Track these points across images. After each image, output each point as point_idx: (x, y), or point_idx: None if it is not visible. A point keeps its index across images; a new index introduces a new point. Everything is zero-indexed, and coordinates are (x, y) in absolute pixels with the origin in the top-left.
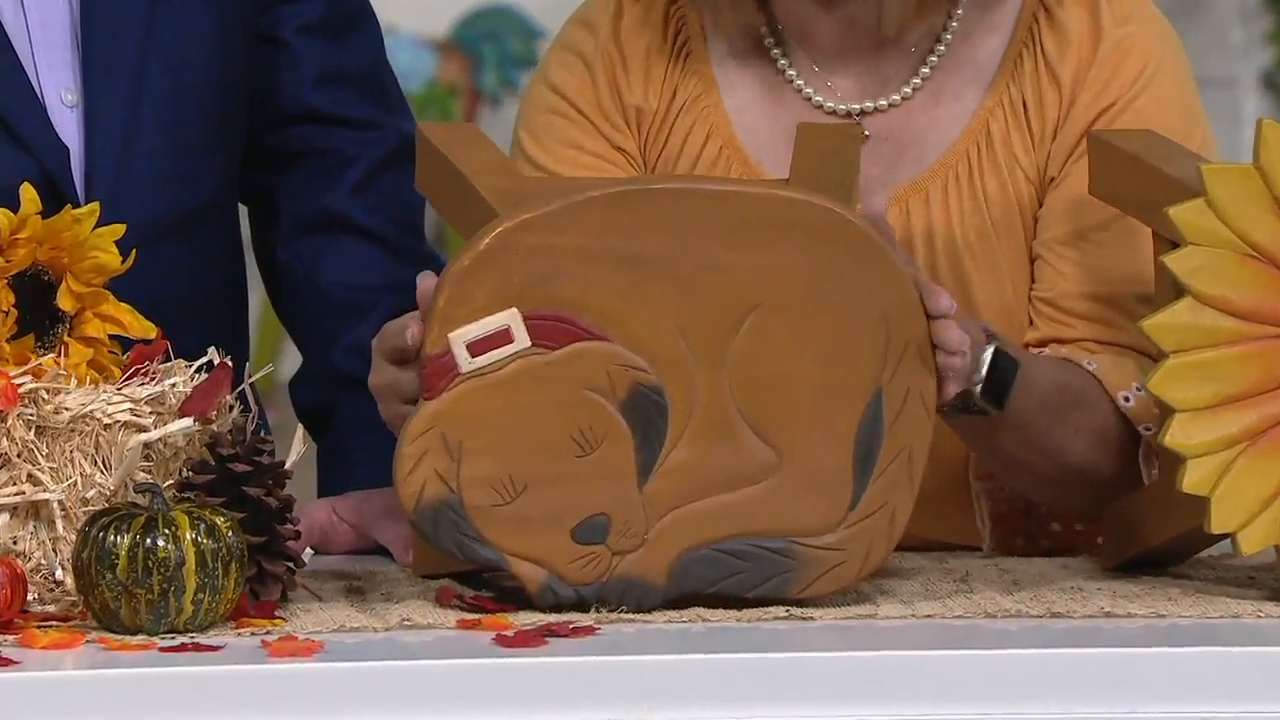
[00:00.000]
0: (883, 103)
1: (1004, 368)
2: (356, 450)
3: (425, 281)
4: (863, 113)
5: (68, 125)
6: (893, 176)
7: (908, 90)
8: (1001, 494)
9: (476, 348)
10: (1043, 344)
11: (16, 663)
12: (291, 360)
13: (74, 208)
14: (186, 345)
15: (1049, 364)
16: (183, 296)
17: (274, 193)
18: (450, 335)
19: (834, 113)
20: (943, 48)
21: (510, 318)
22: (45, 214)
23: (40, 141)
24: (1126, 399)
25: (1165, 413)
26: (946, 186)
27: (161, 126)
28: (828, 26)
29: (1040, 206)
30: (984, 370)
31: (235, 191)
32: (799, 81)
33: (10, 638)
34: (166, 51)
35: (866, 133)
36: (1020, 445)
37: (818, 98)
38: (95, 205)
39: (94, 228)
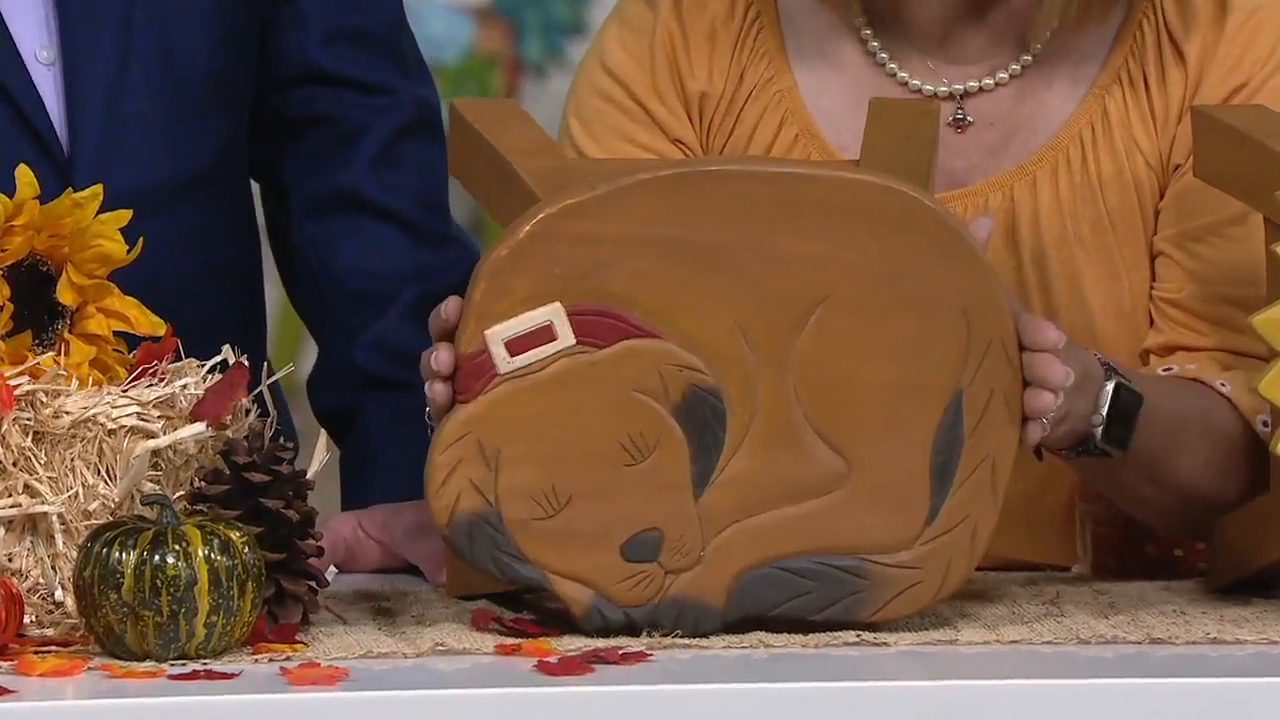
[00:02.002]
0: (989, 82)
1: (1126, 404)
2: (383, 458)
3: (446, 305)
4: (965, 94)
5: (45, 85)
6: (996, 164)
7: (1016, 68)
8: (1105, 515)
9: (516, 346)
10: (1166, 351)
11: (12, 692)
12: (315, 357)
13: (64, 172)
14: (188, 328)
15: (1175, 389)
16: (181, 272)
17: (282, 167)
18: (487, 332)
19: (933, 96)
20: (1055, 23)
21: (553, 313)
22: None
23: (24, 95)
24: (1266, 423)
25: (1278, 419)
26: (1056, 171)
27: (151, 86)
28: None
29: (1162, 196)
30: (1104, 410)
31: (242, 158)
32: (891, 64)
33: (5, 664)
34: (154, 4)
35: (970, 118)
36: (1144, 480)
37: (914, 80)
38: (98, 188)
39: (97, 213)
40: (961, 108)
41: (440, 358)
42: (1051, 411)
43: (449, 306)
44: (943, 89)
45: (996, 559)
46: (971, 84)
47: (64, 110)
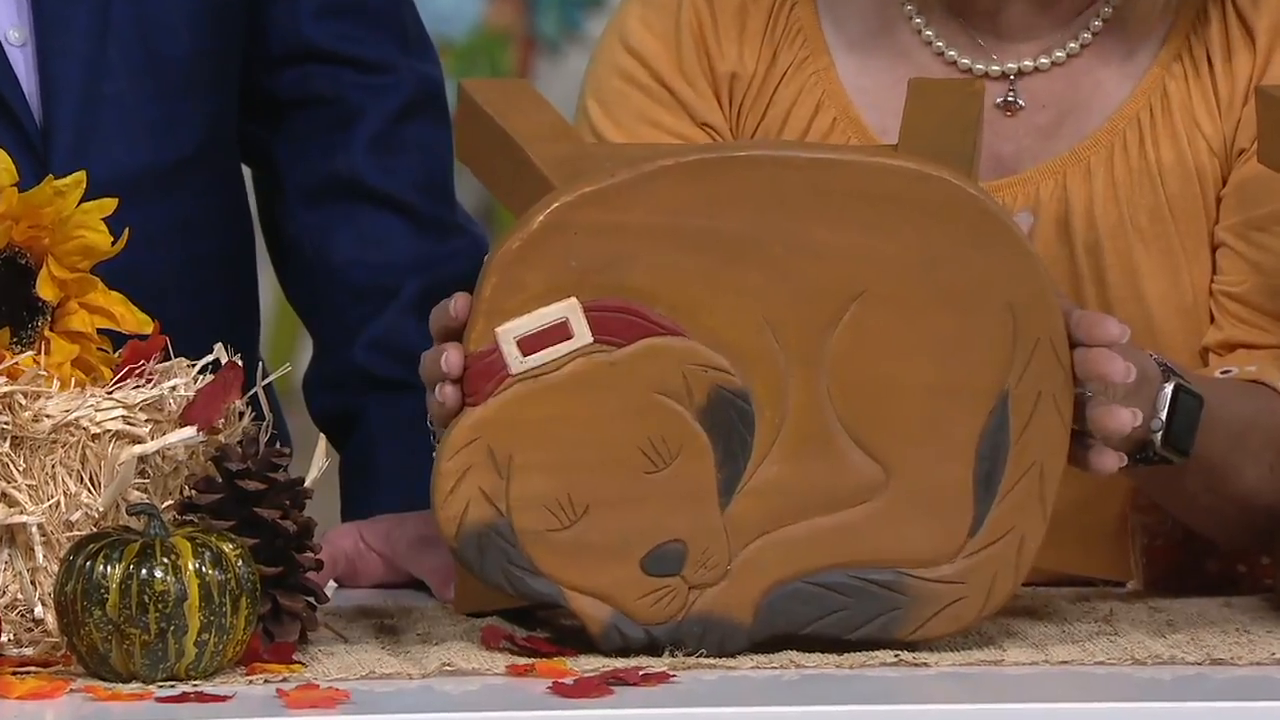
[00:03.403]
0: (1044, 61)
1: (1187, 408)
2: (386, 465)
3: (451, 302)
4: (1019, 73)
5: (18, 67)
6: (1048, 149)
7: (1074, 46)
8: (1160, 527)
9: (529, 344)
10: (1226, 348)
11: None
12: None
13: (40, 159)
14: (175, 325)
15: (1236, 392)
16: (167, 266)
17: (275, 151)
18: (498, 330)
19: (983, 75)
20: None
21: (568, 309)
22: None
23: None
24: None
25: None
26: (1113, 156)
27: (130, 64)
28: None
29: (1225, 183)
30: (1163, 414)
31: (232, 143)
32: (939, 42)
33: None
34: None
35: (1021, 101)
36: (1204, 489)
37: (964, 60)
38: (81, 175)
39: (79, 201)
40: (1013, 89)
41: (450, 359)
42: (1128, 431)
43: (458, 303)
44: (994, 68)
45: (1045, 573)
46: (1026, 63)
47: (38, 92)
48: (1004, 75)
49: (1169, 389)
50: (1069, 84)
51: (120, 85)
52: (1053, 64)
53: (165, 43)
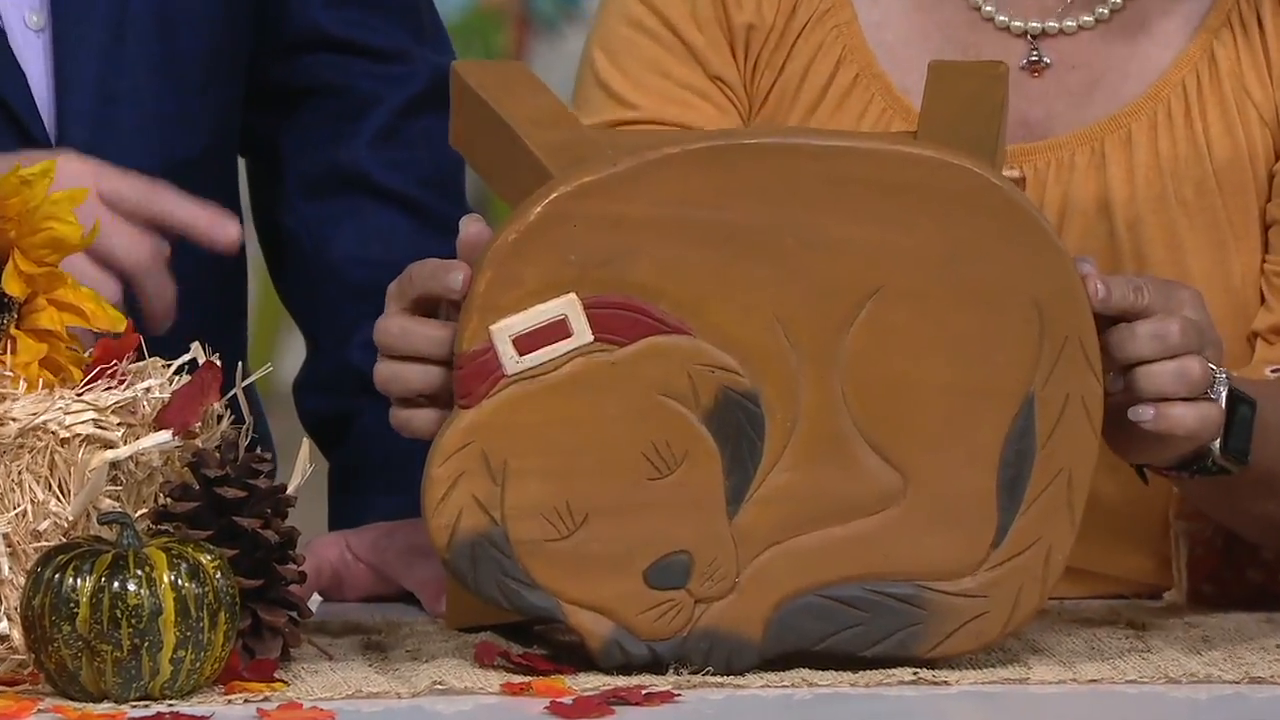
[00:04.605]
0: (1070, 23)
1: (1240, 412)
2: (378, 471)
3: (473, 227)
4: (1044, 34)
5: (33, 53)
6: (1081, 114)
7: (1103, 11)
8: (1203, 534)
9: (525, 343)
10: (1277, 334)
11: None
12: (296, 356)
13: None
14: (171, 332)
15: None
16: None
17: (278, 142)
18: (492, 328)
19: (1006, 29)
20: None
21: (567, 305)
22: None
23: (3, 74)
24: None
25: None
26: (1156, 124)
27: (148, 60)
28: None
29: (1278, 156)
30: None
31: (235, 140)
32: None
33: None
34: None
35: (1047, 60)
36: (1262, 496)
37: (1000, 16)
38: (50, 164)
39: (47, 191)
40: (1036, 49)
41: (432, 334)
42: (1188, 428)
43: (460, 275)
44: (1019, 24)
45: (1077, 572)
46: (1051, 24)
47: (53, 85)
48: (1026, 34)
49: (1222, 394)
50: (1100, 44)
51: (139, 81)
52: (1081, 27)
53: (184, 37)
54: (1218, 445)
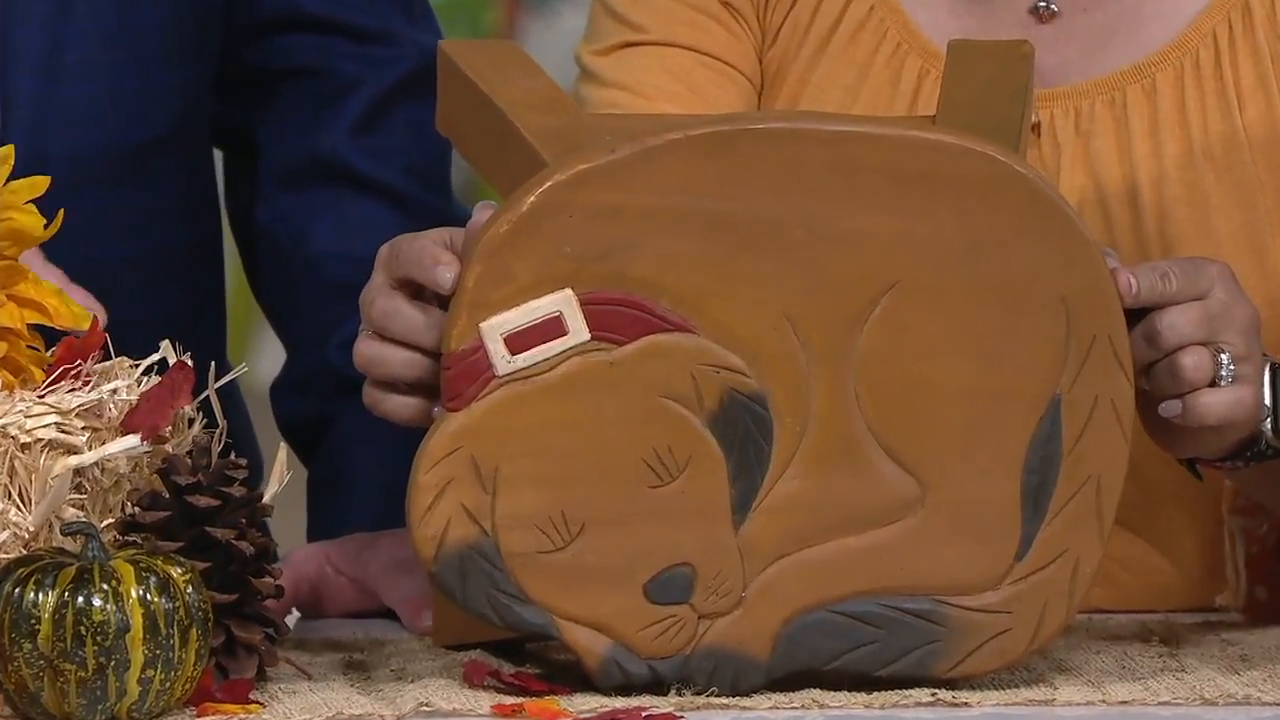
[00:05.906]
0: None
1: None
2: (360, 478)
3: (486, 215)
4: None
5: None
6: (1099, 62)
7: None
8: (1258, 531)
9: (517, 342)
10: None
11: None
12: (272, 356)
13: None
14: (134, 323)
15: None
16: (128, 258)
17: (253, 130)
18: (482, 325)
19: None
20: None
21: (563, 302)
22: None
23: None
24: None
25: None
26: (1183, 75)
27: (101, 32)
28: None
29: None
30: (1267, 398)
31: (205, 122)
32: None
33: None
34: None
35: (1054, 5)
36: None
37: None
38: (9, 150)
39: (8, 179)
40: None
41: (420, 320)
42: (1219, 416)
43: (448, 270)
44: None
45: (1109, 577)
46: None
47: None
48: None
49: (1266, 371)
50: None
51: (90, 54)
52: None
53: (142, 7)
54: (1269, 426)
